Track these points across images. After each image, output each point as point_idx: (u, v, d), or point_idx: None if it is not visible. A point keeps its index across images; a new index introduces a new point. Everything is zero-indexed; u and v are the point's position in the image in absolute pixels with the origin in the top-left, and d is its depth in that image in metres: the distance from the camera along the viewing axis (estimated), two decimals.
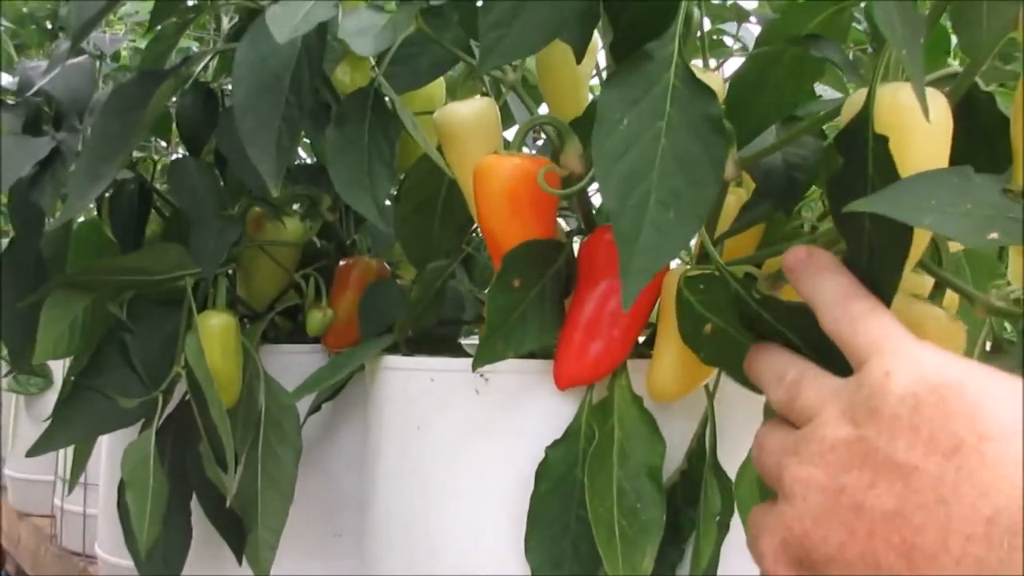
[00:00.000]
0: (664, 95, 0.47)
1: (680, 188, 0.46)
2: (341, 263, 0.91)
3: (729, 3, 0.72)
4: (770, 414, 0.57)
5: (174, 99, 0.85)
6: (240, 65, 0.64)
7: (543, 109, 0.77)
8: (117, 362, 0.78)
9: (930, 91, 0.43)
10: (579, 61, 0.59)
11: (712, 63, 0.82)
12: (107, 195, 0.84)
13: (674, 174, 0.46)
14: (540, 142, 0.90)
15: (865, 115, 0.45)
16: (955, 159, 0.51)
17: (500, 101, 0.75)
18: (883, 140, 0.43)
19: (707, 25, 0.73)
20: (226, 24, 0.99)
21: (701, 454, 0.65)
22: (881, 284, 0.44)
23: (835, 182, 0.46)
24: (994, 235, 0.39)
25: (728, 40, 0.82)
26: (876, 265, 0.44)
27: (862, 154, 0.44)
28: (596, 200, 0.75)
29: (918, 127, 0.43)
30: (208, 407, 0.74)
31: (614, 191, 0.46)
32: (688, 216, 0.46)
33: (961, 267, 0.67)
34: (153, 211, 0.88)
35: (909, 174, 0.42)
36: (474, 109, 0.67)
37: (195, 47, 1.09)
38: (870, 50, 0.70)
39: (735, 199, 0.74)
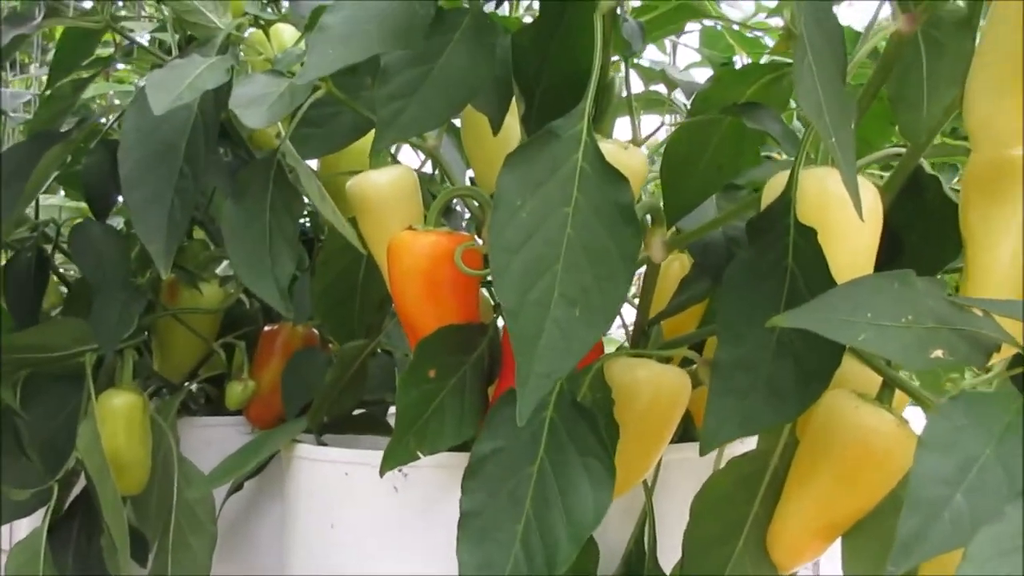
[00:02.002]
0: (572, 178, 0.41)
1: (588, 283, 0.40)
2: (265, 329, 0.85)
3: (659, 68, 0.67)
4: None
5: None
6: (128, 134, 0.58)
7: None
8: (11, 449, 0.71)
9: (861, 180, 0.38)
10: (495, 132, 0.54)
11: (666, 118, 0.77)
12: (1, 264, 0.78)
13: (582, 267, 0.40)
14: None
15: (786, 201, 0.40)
16: (901, 246, 0.46)
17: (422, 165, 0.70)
18: (807, 231, 0.39)
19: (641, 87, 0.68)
20: None
21: (640, 556, 0.59)
22: (805, 395, 0.39)
23: (743, 269, 0.41)
24: (938, 353, 0.34)
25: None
26: (800, 373, 0.39)
27: (781, 243, 0.40)
28: None
29: (845, 221, 0.39)
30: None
31: (513, 285, 0.40)
32: (596, 315, 0.40)
33: None
34: (55, 280, 0.82)
35: (833, 271, 0.38)
36: (390, 178, 0.62)
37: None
38: None
39: (679, 266, 0.69)
